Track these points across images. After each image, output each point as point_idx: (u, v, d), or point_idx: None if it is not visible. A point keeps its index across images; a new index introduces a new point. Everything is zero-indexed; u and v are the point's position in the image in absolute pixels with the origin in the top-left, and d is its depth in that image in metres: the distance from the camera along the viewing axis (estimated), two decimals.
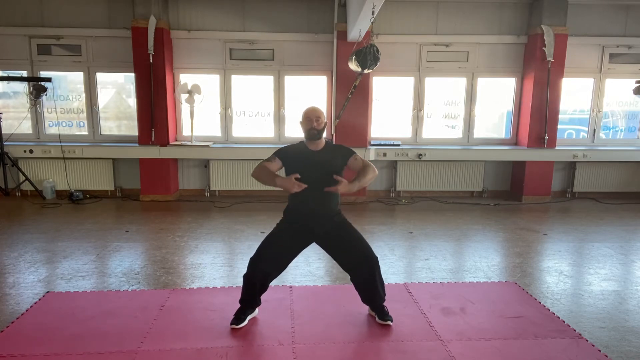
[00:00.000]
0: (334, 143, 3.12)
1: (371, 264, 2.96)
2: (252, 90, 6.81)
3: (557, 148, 6.69)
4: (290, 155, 2.95)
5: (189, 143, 6.56)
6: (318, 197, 2.90)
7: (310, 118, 2.91)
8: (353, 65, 5.62)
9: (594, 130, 7.10)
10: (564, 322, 3.12)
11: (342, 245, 2.96)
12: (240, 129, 6.90)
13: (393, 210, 6.27)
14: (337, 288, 3.64)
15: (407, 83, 6.85)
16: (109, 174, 6.69)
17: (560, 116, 6.69)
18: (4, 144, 6.34)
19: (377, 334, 2.95)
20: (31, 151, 6.46)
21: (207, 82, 6.63)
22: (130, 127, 6.80)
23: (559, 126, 6.76)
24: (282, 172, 2.96)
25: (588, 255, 4.51)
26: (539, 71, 6.46)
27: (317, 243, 3.02)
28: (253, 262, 2.94)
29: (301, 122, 2.96)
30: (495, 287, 3.71)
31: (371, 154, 6.49)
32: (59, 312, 3.17)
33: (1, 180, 6.38)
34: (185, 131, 6.81)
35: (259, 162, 2.94)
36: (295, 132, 6.80)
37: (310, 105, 3.00)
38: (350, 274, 3.03)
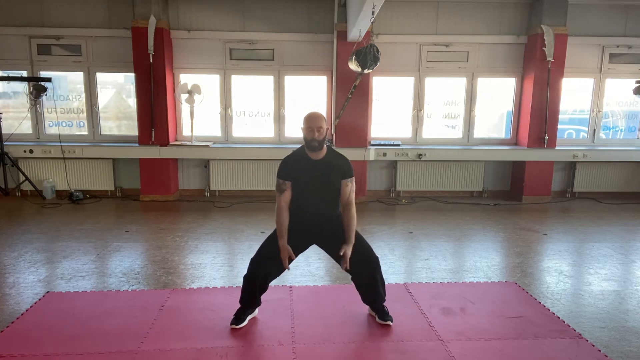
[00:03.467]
0: (334, 149, 3.07)
1: (372, 264, 2.96)
2: (252, 90, 6.81)
3: (557, 148, 6.69)
4: (293, 169, 2.92)
5: (189, 143, 6.56)
6: (318, 205, 2.93)
7: (312, 128, 2.81)
8: (353, 65, 5.63)
9: (594, 130, 7.10)
10: (564, 322, 3.12)
11: (342, 246, 2.96)
12: (240, 129, 6.90)
13: (393, 210, 6.27)
14: (337, 288, 3.64)
15: (407, 83, 6.85)
16: (109, 174, 6.69)
17: (560, 116, 6.69)
18: (4, 144, 6.34)
19: (377, 334, 2.95)
20: (31, 151, 6.46)
21: (207, 82, 6.63)
22: (130, 127, 6.80)
23: (559, 126, 6.76)
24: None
25: (588, 255, 4.51)
26: (539, 71, 6.46)
27: (318, 244, 3.02)
28: (253, 262, 2.94)
29: (302, 129, 2.88)
30: (495, 287, 3.71)
31: (371, 154, 6.49)
32: (59, 312, 3.17)
33: (1, 180, 6.38)
34: (185, 131, 6.81)
35: (275, 200, 2.98)
36: (295, 132, 6.81)
37: (312, 112, 2.91)
38: (352, 275, 3.03)
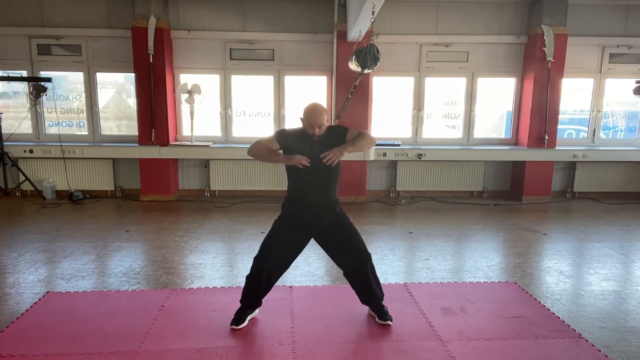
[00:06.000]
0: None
1: (362, 260, 2.96)
2: (252, 90, 6.81)
3: (557, 148, 6.69)
4: (289, 141, 2.86)
5: (189, 143, 6.56)
6: (318, 186, 2.89)
7: (313, 126, 2.77)
8: (353, 65, 5.62)
9: (594, 130, 7.10)
10: (564, 322, 3.12)
11: (338, 241, 2.96)
12: (240, 129, 6.90)
13: (393, 210, 6.27)
14: (337, 288, 3.64)
15: (407, 83, 6.85)
16: (109, 174, 6.69)
17: (560, 116, 6.69)
18: (4, 144, 6.34)
19: (377, 334, 2.95)
20: (31, 151, 6.46)
21: (207, 82, 6.63)
22: (130, 127, 6.80)
23: (559, 126, 6.76)
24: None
25: (588, 255, 4.51)
26: (539, 71, 6.46)
27: (316, 239, 3.02)
28: (258, 260, 2.93)
29: (302, 120, 2.84)
30: (495, 287, 3.71)
31: (371, 154, 6.49)
32: (59, 312, 3.17)
33: (1, 180, 6.38)
34: (185, 131, 6.81)
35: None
36: None
37: (313, 104, 2.84)
38: (343, 270, 3.04)
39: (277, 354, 2.72)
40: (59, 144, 6.44)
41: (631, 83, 6.77)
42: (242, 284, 3.03)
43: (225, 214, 5.88)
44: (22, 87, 6.59)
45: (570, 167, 7.05)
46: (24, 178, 6.47)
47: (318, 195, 2.91)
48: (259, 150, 2.87)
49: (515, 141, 7.02)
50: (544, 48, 6.35)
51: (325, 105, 6.73)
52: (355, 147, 2.82)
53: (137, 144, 6.48)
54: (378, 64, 5.42)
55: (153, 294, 3.47)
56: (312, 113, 2.80)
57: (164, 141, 6.43)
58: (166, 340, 2.83)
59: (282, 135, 2.92)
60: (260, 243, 3.00)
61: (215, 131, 6.87)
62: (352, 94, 6.18)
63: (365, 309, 3.19)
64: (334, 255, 3.03)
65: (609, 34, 6.74)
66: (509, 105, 7.02)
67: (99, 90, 6.72)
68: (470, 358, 2.69)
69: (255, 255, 2.96)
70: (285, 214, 3.00)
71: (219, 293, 3.50)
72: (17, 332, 2.90)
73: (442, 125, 7.05)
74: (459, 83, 6.90)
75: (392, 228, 5.36)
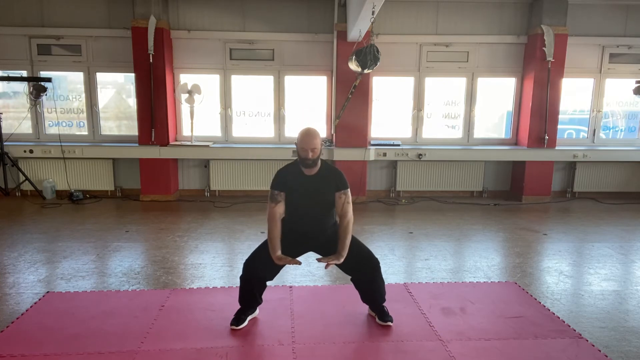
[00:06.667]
0: (330, 164, 3.00)
1: (371, 267, 2.96)
2: (252, 90, 6.81)
3: (557, 148, 6.69)
4: (287, 182, 2.89)
5: (189, 143, 6.56)
6: (312, 220, 2.92)
7: (306, 149, 2.78)
8: (353, 65, 5.63)
9: (594, 130, 7.10)
10: (564, 322, 3.13)
11: (331, 255, 2.90)
12: (240, 129, 6.90)
13: (393, 210, 6.27)
14: (337, 288, 3.64)
15: (407, 83, 6.84)
16: (109, 174, 6.69)
17: (560, 116, 6.69)
18: (4, 144, 6.34)
19: (377, 334, 2.95)
20: (31, 151, 6.46)
21: (207, 82, 6.63)
22: (130, 127, 6.80)
23: (559, 126, 6.76)
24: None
25: (588, 255, 4.51)
26: (539, 71, 6.46)
27: (314, 252, 3.00)
28: (247, 264, 2.94)
29: (296, 145, 2.85)
30: (495, 287, 3.71)
31: (371, 154, 6.49)
32: (59, 312, 3.17)
33: (1, 180, 6.38)
34: (185, 131, 6.81)
35: (267, 205, 2.91)
36: (295, 132, 6.80)
37: (307, 130, 2.85)
38: (351, 276, 3.03)
39: (277, 354, 2.73)
40: (59, 144, 6.44)
41: (631, 83, 6.77)
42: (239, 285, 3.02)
43: (225, 214, 5.88)
44: (22, 87, 6.59)
45: (570, 167, 7.05)
46: (24, 178, 6.47)
47: (313, 227, 2.93)
48: (269, 226, 2.88)
49: (515, 141, 7.03)
50: (544, 48, 6.35)
51: (325, 105, 6.77)
52: (347, 248, 2.84)
53: (137, 144, 6.48)
54: (378, 64, 5.42)
55: (153, 294, 3.47)
56: (305, 137, 2.81)
57: (164, 141, 6.43)
58: (166, 340, 2.83)
59: (281, 180, 2.92)
60: (259, 243, 2.99)
61: (215, 131, 6.87)
62: (352, 94, 6.18)
63: (365, 308, 3.19)
64: (341, 267, 2.98)
65: (609, 34, 6.74)
66: (509, 105, 7.02)
67: (99, 90, 6.72)
68: (470, 358, 2.69)
69: (246, 258, 2.96)
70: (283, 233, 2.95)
71: (219, 293, 3.50)
72: (17, 332, 2.90)
73: (442, 125, 7.05)
74: (459, 83, 6.90)
75: (392, 228, 5.36)
